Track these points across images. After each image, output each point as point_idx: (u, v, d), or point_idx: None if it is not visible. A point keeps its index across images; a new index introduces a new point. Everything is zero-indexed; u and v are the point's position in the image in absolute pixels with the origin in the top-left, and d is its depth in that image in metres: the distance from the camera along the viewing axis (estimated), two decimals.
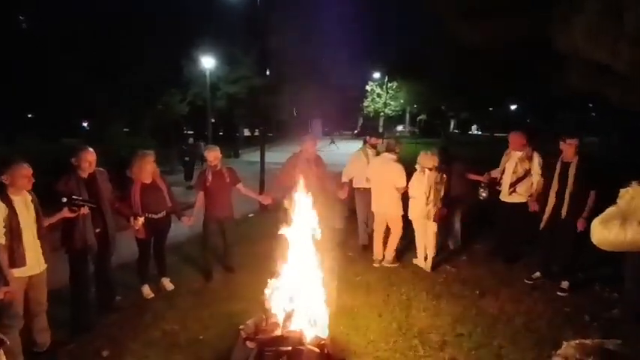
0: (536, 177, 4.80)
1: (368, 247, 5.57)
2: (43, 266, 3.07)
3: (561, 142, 4.27)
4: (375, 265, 5.11)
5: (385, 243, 5.15)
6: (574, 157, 4.19)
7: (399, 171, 4.89)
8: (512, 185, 4.89)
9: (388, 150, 5.06)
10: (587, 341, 0.98)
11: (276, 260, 3.26)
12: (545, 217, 4.36)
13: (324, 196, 4.89)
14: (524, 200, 4.87)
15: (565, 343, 1.01)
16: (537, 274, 4.64)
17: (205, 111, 19.11)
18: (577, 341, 0.99)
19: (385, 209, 5.01)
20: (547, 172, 4.51)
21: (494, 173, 5.20)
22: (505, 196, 5.00)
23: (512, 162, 4.92)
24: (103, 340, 3.47)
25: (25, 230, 2.90)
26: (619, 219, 2.91)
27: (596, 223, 3.27)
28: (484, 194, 5.32)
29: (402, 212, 5.01)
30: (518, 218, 5.01)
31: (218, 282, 4.70)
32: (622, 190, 3.13)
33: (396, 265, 5.08)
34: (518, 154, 4.89)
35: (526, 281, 4.61)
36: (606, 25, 6.38)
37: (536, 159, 4.82)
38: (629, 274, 3.72)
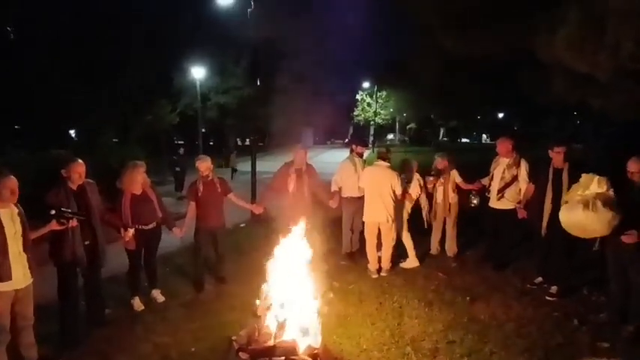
0: (523, 184, 4.88)
1: (352, 255, 5.60)
2: (29, 280, 3.01)
3: (550, 151, 4.36)
4: (373, 276, 5.07)
5: (378, 252, 5.17)
6: (564, 163, 4.29)
7: (396, 178, 4.97)
8: (500, 191, 4.97)
9: (381, 158, 5.12)
10: None
11: (268, 270, 3.26)
12: (544, 224, 4.39)
13: (316, 205, 4.92)
14: (512, 207, 4.95)
15: None
16: (539, 279, 4.68)
17: (196, 121, 19.11)
18: None
19: (378, 218, 5.02)
20: (538, 177, 4.57)
21: (485, 181, 5.30)
22: (494, 202, 5.08)
23: (501, 168, 5.01)
24: (93, 354, 3.40)
25: (11, 243, 2.86)
26: (582, 202, 3.44)
27: (563, 211, 3.61)
28: (475, 201, 5.43)
29: (394, 220, 5.05)
30: (507, 224, 5.09)
31: (210, 293, 4.66)
32: (582, 180, 3.59)
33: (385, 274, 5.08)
34: (506, 160, 4.99)
35: (528, 286, 4.66)
36: (587, 36, 6.60)
37: (524, 165, 4.92)
38: (613, 277, 3.82)
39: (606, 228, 3.42)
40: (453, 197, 5.52)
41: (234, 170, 16.84)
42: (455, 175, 5.53)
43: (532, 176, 4.81)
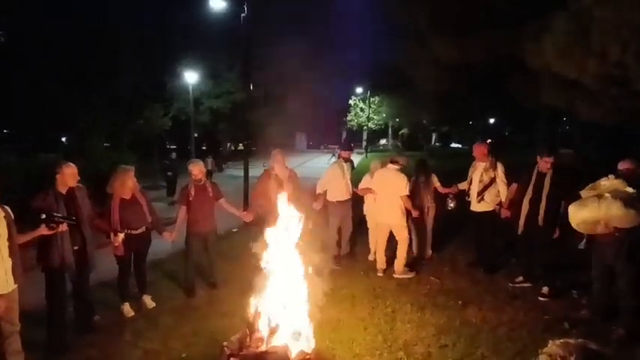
0: (501, 185, 5.04)
1: (337, 257, 5.67)
2: (13, 286, 2.94)
3: (538, 157, 4.50)
4: (378, 274, 5.18)
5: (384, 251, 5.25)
6: (549, 169, 4.44)
7: (402, 179, 5.08)
8: (480, 194, 5.11)
9: (392, 162, 5.26)
10: (571, 340, 1.04)
11: (259, 274, 3.24)
12: (521, 223, 4.57)
13: (300, 209, 4.91)
14: (491, 209, 5.10)
15: (550, 342, 1.06)
16: (520, 278, 4.81)
17: (188, 125, 19.05)
18: (561, 340, 1.05)
19: (389, 219, 5.13)
20: (521, 178, 4.71)
21: (462, 185, 5.42)
22: (474, 206, 5.20)
23: (478, 172, 5.16)
24: None
25: None
26: (594, 199, 3.42)
27: (572, 208, 3.63)
28: (452, 205, 5.54)
29: (405, 220, 5.12)
30: (488, 226, 5.21)
31: (201, 298, 4.62)
32: (599, 182, 3.56)
33: (410, 276, 5.10)
34: (482, 164, 5.14)
35: (510, 285, 4.77)
36: (574, 43, 6.73)
37: (500, 168, 5.09)
38: (596, 277, 3.90)
39: (628, 218, 3.31)
40: (429, 201, 5.61)
41: (210, 173, 17.36)
42: (433, 180, 5.60)
43: (511, 176, 4.97)
